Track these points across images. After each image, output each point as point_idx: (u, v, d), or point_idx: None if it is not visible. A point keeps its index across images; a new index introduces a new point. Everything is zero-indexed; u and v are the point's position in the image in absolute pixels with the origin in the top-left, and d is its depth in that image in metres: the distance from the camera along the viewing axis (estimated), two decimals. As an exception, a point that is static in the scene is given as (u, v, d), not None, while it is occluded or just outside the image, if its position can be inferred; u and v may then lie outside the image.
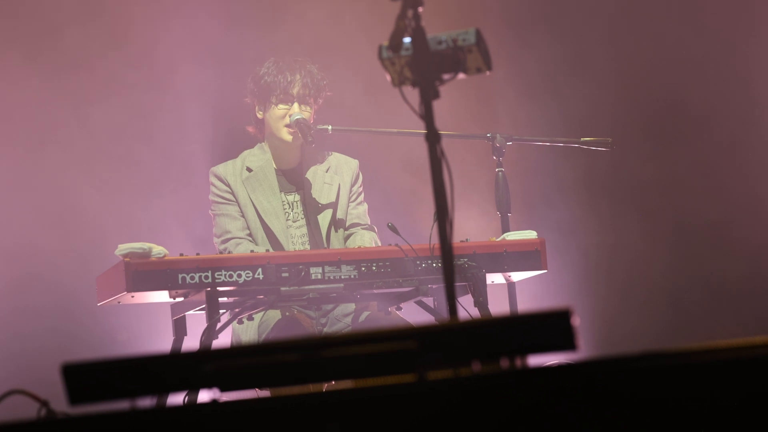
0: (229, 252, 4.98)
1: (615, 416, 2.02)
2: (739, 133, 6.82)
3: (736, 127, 6.82)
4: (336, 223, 5.12)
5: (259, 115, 5.20)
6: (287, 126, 5.10)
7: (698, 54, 6.80)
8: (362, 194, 5.25)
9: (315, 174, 5.18)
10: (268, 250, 4.68)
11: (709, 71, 6.81)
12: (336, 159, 5.25)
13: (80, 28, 6.22)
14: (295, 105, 5.09)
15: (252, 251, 4.61)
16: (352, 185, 5.22)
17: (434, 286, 4.61)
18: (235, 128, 5.58)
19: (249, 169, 5.14)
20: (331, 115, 5.30)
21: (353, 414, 2.04)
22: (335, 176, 5.19)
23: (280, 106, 5.12)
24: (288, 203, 5.13)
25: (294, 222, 5.11)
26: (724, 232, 6.79)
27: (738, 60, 6.82)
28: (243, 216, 5.08)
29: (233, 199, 5.11)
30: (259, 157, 5.18)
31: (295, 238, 5.07)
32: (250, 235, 5.06)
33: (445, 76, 3.07)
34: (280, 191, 5.14)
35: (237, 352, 2.20)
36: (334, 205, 5.14)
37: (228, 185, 5.12)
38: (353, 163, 5.27)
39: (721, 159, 6.82)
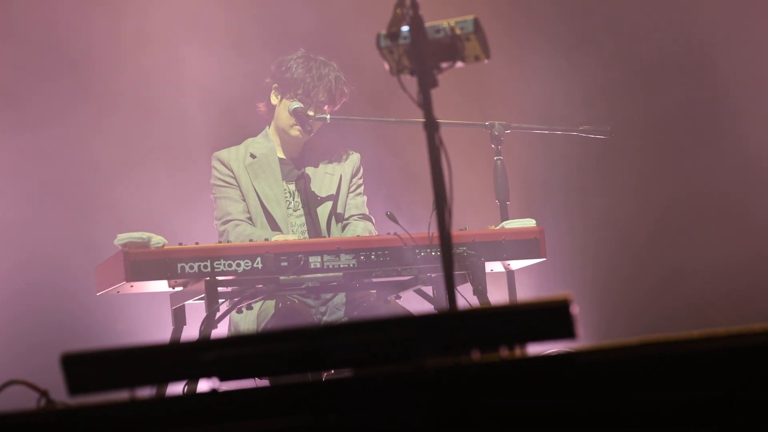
0: (228, 234, 4.98)
1: (615, 405, 2.02)
2: (743, 116, 6.80)
3: (739, 111, 6.80)
4: (336, 215, 5.12)
5: (273, 101, 5.19)
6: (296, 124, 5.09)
7: (702, 36, 6.79)
8: (362, 186, 5.25)
9: (317, 165, 5.17)
10: (266, 239, 4.68)
11: (710, 55, 6.80)
12: (338, 150, 5.25)
13: (84, 15, 6.21)
14: (311, 109, 5.07)
15: (251, 240, 4.61)
16: (353, 177, 5.21)
17: (433, 275, 4.61)
18: (238, 116, 5.57)
19: (253, 156, 5.14)
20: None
21: (352, 403, 2.04)
22: (336, 167, 5.19)
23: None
24: (289, 192, 5.13)
25: (294, 211, 5.11)
26: (727, 220, 6.78)
27: (744, 42, 6.80)
28: (244, 200, 5.08)
29: (235, 183, 5.11)
30: (262, 144, 5.18)
31: (295, 227, 5.07)
32: (250, 218, 5.06)
33: (444, 65, 3.06)
34: (282, 180, 5.14)
35: (236, 341, 2.20)
36: (334, 197, 5.13)
37: (231, 170, 5.11)
38: (355, 156, 5.27)
39: (726, 145, 6.81)
